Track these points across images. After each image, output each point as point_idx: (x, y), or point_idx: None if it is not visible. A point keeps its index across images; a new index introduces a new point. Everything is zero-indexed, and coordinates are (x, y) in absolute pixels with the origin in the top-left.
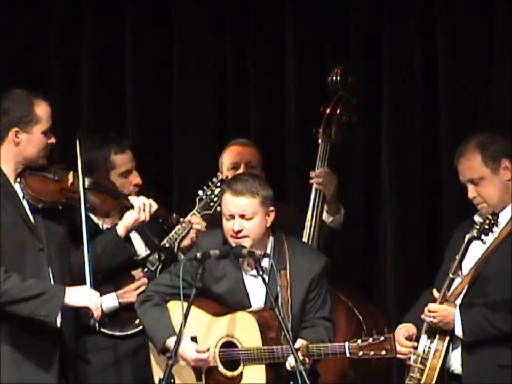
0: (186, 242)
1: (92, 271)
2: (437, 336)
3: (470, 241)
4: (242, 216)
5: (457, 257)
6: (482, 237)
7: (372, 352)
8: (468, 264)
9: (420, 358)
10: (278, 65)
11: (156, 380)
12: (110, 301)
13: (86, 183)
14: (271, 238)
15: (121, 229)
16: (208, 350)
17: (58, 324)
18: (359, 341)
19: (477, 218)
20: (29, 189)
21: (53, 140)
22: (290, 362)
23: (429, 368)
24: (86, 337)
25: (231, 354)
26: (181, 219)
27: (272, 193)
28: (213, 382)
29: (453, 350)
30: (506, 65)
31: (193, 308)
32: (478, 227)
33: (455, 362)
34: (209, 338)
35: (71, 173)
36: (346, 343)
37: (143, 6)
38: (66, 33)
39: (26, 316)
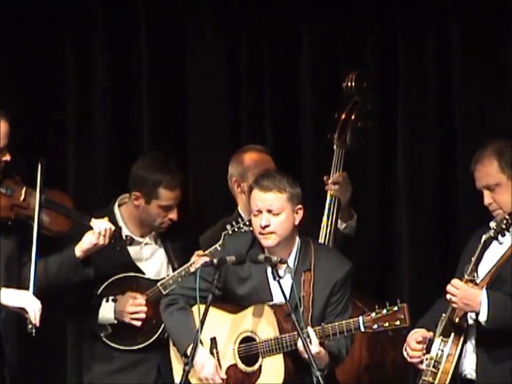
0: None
1: (36, 279)
2: (451, 340)
3: (486, 242)
4: (269, 212)
5: (473, 258)
6: (499, 237)
7: (386, 324)
8: (484, 269)
9: (432, 362)
10: (293, 71)
11: (176, 380)
12: (108, 313)
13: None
14: (297, 239)
15: (78, 251)
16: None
17: None
18: (373, 314)
19: (492, 224)
20: None
21: (7, 158)
22: (299, 345)
23: (442, 372)
24: (91, 344)
25: (249, 349)
26: (199, 252)
27: (300, 192)
28: (233, 381)
29: (466, 355)
30: None
31: (214, 310)
32: (494, 227)
33: (468, 367)
34: (228, 337)
35: (24, 188)
36: (360, 318)
37: (157, 14)
38: (79, 42)
39: None
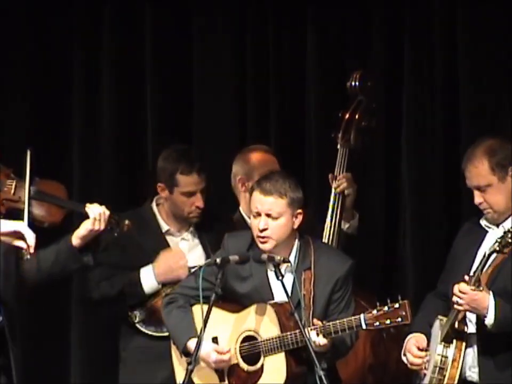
0: None
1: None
2: (453, 346)
3: (490, 255)
4: (268, 216)
5: (477, 270)
6: (504, 250)
7: (388, 321)
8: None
9: (437, 369)
10: (298, 71)
11: (178, 380)
12: (149, 280)
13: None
14: (297, 241)
15: (75, 239)
16: (228, 351)
17: None
18: (375, 311)
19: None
20: None
21: None
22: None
23: (448, 378)
24: (121, 335)
25: (251, 348)
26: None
27: (301, 196)
28: (235, 380)
29: (467, 357)
30: None
31: (215, 309)
32: (499, 240)
33: (470, 370)
34: (230, 336)
35: (14, 182)
36: (362, 315)
37: (163, 8)
38: (86, 43)
39: None
